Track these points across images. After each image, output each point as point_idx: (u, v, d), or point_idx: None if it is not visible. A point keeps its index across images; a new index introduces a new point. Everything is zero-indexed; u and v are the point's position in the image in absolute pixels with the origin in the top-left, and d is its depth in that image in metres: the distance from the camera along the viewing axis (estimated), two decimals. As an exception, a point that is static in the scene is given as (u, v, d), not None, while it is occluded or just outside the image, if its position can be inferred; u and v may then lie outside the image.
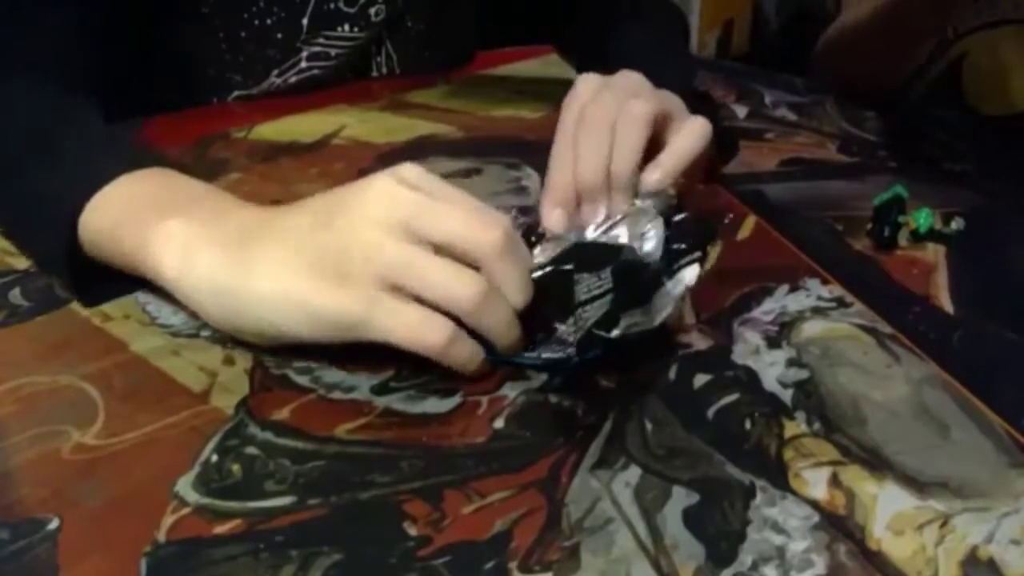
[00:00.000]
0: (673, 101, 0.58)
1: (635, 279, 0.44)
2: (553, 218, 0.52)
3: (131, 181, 0.48)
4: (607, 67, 0.60)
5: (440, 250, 0.41)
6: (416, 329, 0.41)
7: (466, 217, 0.42)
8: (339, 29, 0.83)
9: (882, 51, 0.90)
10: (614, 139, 0.53)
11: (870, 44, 0.91)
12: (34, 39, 0.63)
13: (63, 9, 0.64)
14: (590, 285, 0.43)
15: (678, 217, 0.48)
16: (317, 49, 0.83)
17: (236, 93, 0.82)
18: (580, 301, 0.43)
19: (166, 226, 0.45)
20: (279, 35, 0.80)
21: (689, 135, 0.55)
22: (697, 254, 0.46)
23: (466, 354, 0.43)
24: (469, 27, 0.97)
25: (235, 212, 0.46)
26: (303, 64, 0.83)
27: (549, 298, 0.44)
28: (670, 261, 0.46)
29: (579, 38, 0.87)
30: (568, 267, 0.43)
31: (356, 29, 0.83)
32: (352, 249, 0.41)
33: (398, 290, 0.41)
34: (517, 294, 0.43)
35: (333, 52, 0.84)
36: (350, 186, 0.43)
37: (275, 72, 0.82)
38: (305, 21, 0.80)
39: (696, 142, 0.55)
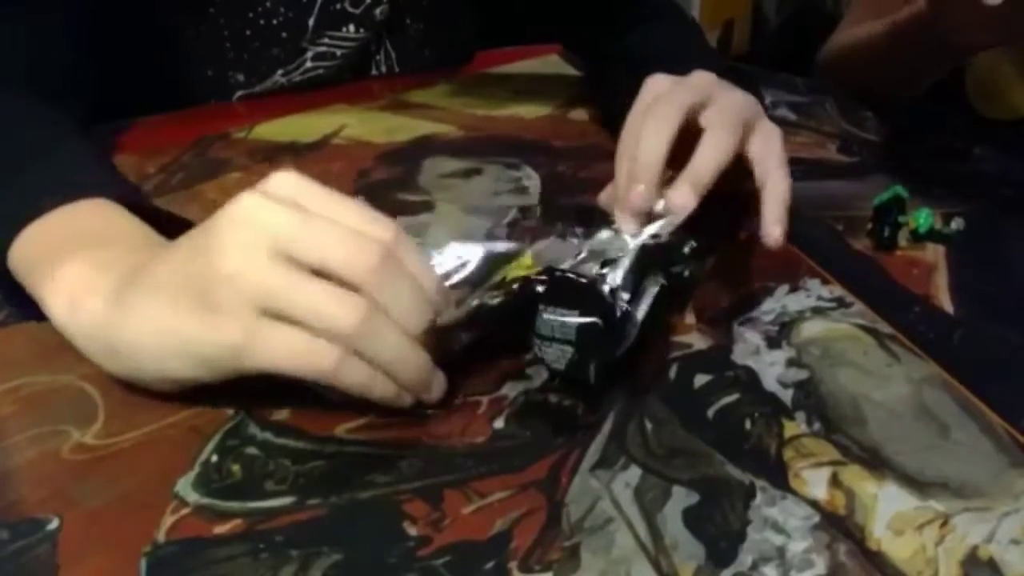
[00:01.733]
0: (750, 103, 0.55)
1: (601, 339, 0.42)
2: (627, 219, 0.49)
3: (55, 217, 0.47)
4: (631, 66, 0.59)
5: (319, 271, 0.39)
6: (301, 354, 0.38)
7: (340, 238, 0.38)
8: (344, 29, 0.83)
9: (890, 77, 0.89)
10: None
11: (877, 71, 0.91)
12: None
13: (38, 15, 0.63)
14: (553, 326, 0.42)
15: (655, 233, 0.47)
16: (322, 49, 0.83)
17: (239, 93, 0.82)
18: (541, 334, 0.42)
19: (60, 273, 0.43)
20: (284, 34, 0.80)
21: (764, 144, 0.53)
22: (660, 280, 0.46)
23: (362, 376, 0.39)
24: (469, 26, 0.97)
25: (132, 256, 0.43)
26: (308, 64, 0.83)
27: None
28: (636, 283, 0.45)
29: (595, 38, 0.87)
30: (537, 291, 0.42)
31: (361, 30, 0.83)
32: (220, 277, 0.38)
33: (276, 315, 0.38)
34: (408, 317, 0.39)
35: (338, 52, 0.84)
36: (223, 209, 0.39)
37: (280, 72, 0.82)
38: (311, 21, 0.80)
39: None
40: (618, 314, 0.43)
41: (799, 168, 0.69)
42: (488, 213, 0.63)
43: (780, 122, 0.81)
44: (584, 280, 0.43)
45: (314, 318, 0.38)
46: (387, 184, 0.67)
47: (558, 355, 0.42)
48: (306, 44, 0.82)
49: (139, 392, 0.43)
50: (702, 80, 0.54)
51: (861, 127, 0.82)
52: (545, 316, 0.42)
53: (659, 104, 0.51)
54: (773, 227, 0.50)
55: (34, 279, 0.45)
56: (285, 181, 0.40)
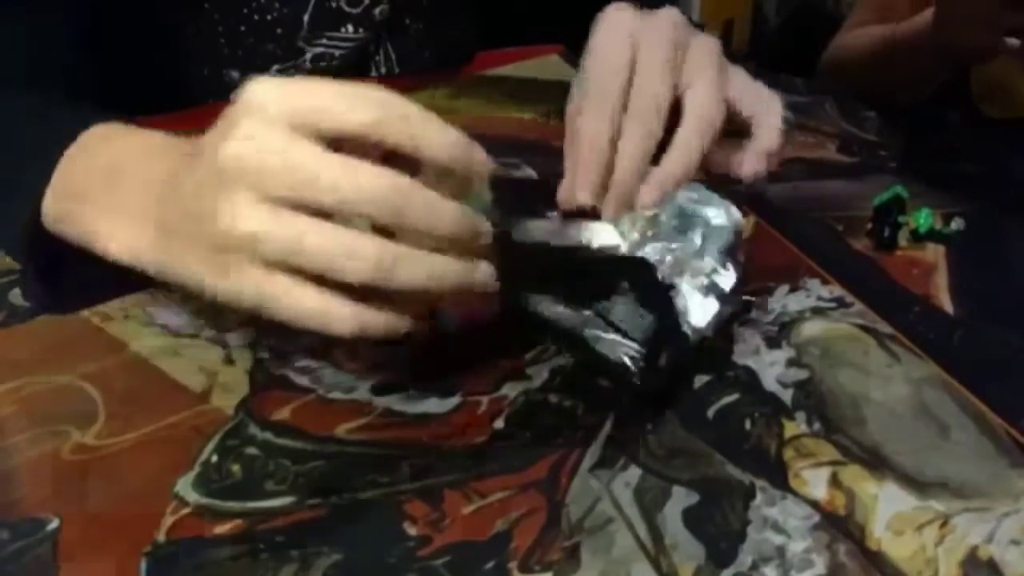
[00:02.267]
0: (713, 45, 0.48)
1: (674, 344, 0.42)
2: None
3: (66, 164, 0.46)
4: None
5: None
6: (319, 317, 0.37)
7: (340, 178, 0.36)
8: (342, 29, 0.83)
9: (893, 82, 0.90)
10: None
11: (880, 76, 0.91)
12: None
13: (38, 15, 0.63)
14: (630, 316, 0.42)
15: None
16: (320, 50, 0.83)
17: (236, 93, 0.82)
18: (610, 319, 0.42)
19: (99, 243, 0.43)
20: (279, 31, 0.80)
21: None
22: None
23: (383, 325, 0.37)
24: (471, 26, 0.97)
25: (148, 196, 0.42)
26: (307, 66, 0.83)
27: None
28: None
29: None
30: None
31: (361, 30, 0.83)
32: (224, 240, 0.36)
33: (289, 268, 0.36)
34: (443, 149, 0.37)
35: (336, 53, 0.83)
36: (210, 156, 0.38)
37: (276, 68, 0.82)
38: (306, 18, 0.80)
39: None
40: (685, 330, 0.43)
41: (799, 168, 0.69)
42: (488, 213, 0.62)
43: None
44: (666, 284, 0.43)
45: (329, 271, 0.36)
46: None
47: (615, 344, 0.42)
48: (303, 44, 0.81)
49: (139, 392, 0.43)
50: (671, 28, 0.47)
51: (861, 127, 0.82)
52: (622, 307, 0.42)
53: (640, 97, 0.44)
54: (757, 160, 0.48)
55: (83, 241, 0.45)
56: (265, 102, 0.38)
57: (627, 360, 0.42)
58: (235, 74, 0.81)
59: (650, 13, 0.47)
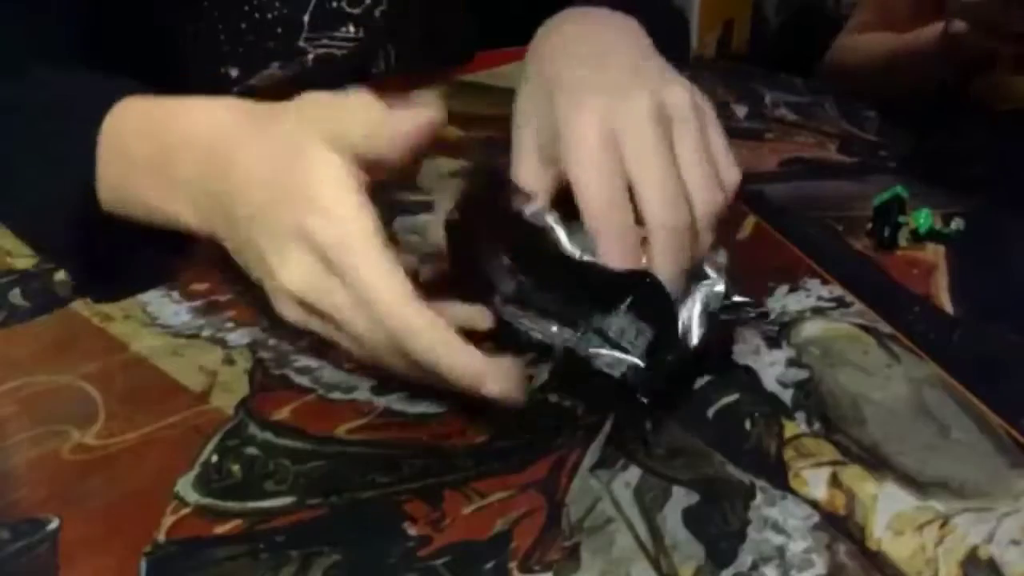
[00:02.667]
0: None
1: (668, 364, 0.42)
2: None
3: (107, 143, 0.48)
4: None
5: None
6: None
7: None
8: (343, 30, 0.83)
9: (895, 83, 0.90)
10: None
11: (881, 79, 0.92)
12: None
13: (36, 15, 0.63)
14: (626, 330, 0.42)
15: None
16: (322, 51, 0.83)
17: (235, 90, 0.82)
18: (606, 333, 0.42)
19: (173, 223, 0.45)
20: (279, 30, 0.80)
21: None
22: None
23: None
24: (471, 26, 0.97)
25: (202, 176, 0.44)
26: (309, 66, 0.83)
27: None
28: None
29: None
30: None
31: (361, 31, 0.83)
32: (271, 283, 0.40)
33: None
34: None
35: (338, 54, 0.83)
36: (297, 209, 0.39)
37: (276, 64, 0.82)
38: (306, 18, 0.80)
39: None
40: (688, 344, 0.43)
41: (799, 168, 0.69)
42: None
43: (780, 122, 0.82)
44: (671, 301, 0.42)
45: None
46: (387, 184, 0.67)
47: (614, 361, 0.42)
48: (304, 44, 0.81)
49: (139, 392, 0.43)
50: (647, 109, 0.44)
51: (861, 127, 0.82)
52: (619, 317, 0.42)
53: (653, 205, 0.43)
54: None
55: (152, 219, 0.46)
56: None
57: (627, 375, 0.42)
58: (233, 72, 0.81)
59: (622, 96, 0.44)
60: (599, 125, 0.44)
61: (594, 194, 0.43)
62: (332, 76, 0.84)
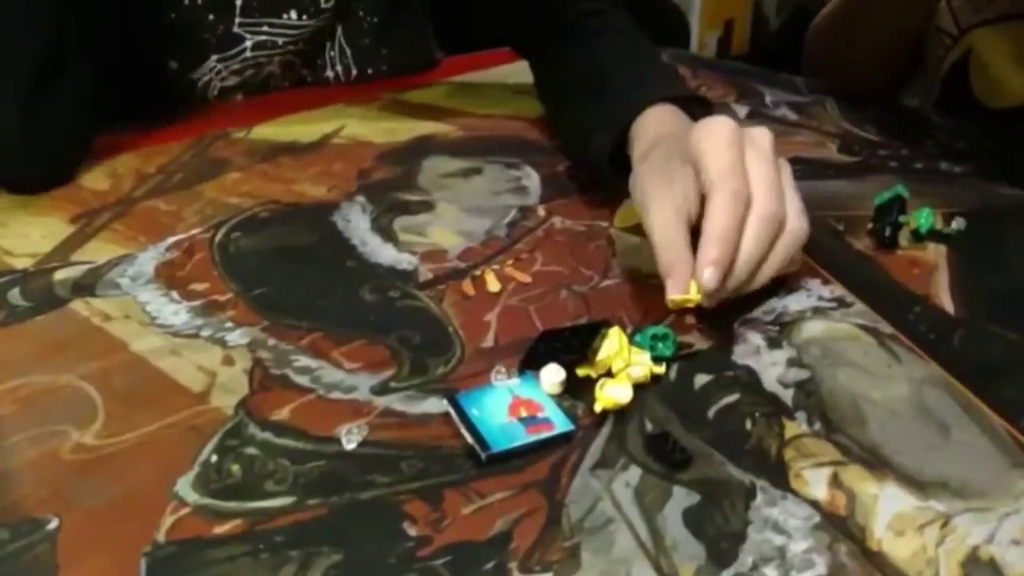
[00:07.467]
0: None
1: None
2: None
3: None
4: (590, 79, 0.63)
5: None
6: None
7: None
8: (284, 16, 0.81)
9: (854, 42, 0.93)
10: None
11: (841, 34, 0.95)
12: None
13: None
14: None
15: None
16: (263, 38, 0.81)
17: (219, 96, 0.81)
18: None
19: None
20: (211, 17, 0.79)
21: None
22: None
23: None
24: (425, 25, 0.96)
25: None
26: (248, 53, 0.81)
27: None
28: None
29: (543, 49, 0.79)
30: None
31: (304, 16, 0.82)
32: None
33: None
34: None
35: (280, 41, 0.82)
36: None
37: (215, 57, 0.81)
38: (239, 2, 0.79)
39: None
40: None
41: (799, 168, 0.69)
42: (488, 213, 0.63)
43: (780, 122, 0.82)
44: None
45: None
46: (387, 184, 0.67)
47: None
48: (239, 30, 0.80)
49: (139, 392, 0.43)
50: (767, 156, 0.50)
51: (861, 127, 0.82)
52: None
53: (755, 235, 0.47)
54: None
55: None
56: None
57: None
58: (174, 65, 0.80)
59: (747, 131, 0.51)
60: (730, 129, 0.50)
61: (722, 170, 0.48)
62: (281, 67, 0.83)
